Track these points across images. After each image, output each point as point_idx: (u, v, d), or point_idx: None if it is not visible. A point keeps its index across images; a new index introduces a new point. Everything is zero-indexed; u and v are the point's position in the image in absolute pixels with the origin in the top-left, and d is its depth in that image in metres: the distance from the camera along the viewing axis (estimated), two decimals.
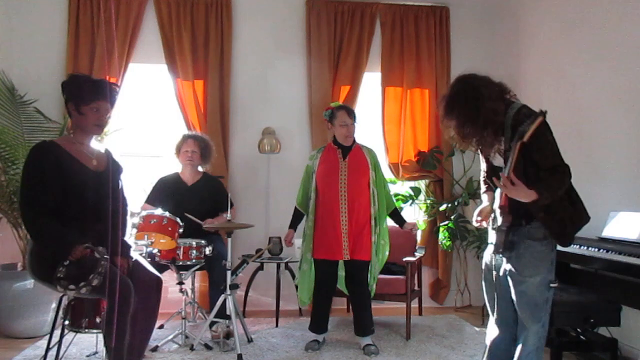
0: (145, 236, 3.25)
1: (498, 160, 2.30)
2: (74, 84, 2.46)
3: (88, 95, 2.40)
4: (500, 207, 2.18)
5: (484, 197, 2.43)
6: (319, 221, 3.41)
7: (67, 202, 2.38)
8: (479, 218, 2.35)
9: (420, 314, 4.31)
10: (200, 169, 4.03)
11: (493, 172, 2.32)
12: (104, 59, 4.32)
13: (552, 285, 2.19)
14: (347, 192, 3.35)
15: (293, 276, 4.33)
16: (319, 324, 3.50)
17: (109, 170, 2.49)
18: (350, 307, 3.75)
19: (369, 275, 3.43)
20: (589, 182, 3.37)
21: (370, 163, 3.46)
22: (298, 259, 3.70)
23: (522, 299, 2.18)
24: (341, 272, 3.50)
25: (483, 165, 2.43)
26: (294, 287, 4.39)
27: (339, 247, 3.33)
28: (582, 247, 3.13)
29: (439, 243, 4.65)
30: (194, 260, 3.39)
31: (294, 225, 3.58)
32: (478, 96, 2.11)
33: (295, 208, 3.58)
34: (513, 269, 2.19)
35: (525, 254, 2.19)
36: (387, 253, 3.53)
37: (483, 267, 2.42)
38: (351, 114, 3.43)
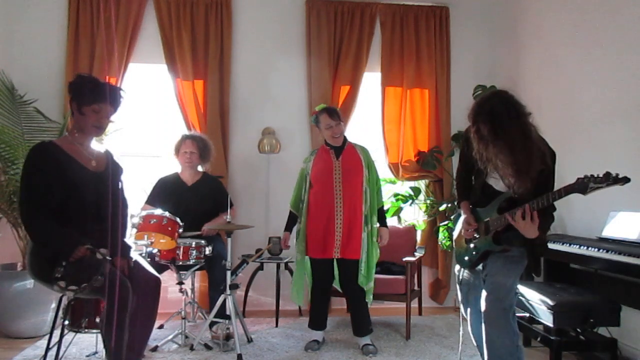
0: (145, 236, 3.25)
1: (492, 180, 2.35)
2: (78, 84, 2.48)
3: (89, 96, 2.42)
4: (496, 232, 2.29)
5: (463, 207, 2.55)
6: (313, 220, 3.42)
7: (66, 203, 2.38)
8: (470, 229, 2.45)
9: (420, 314, 4.32)
10: (200, 168, 4.03)
11: (484, 188, 2.40)
12: (104, 59, 4.32)
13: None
14: (342, 191, 3.37)
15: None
16: (317, 321, 3.50)
17: (109, 171, 2.49)
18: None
19: (361, 276, 3.39)
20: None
21: (364, 162, 3.46)
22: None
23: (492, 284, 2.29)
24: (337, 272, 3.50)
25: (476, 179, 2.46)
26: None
27: (331, 246, 3.35)
28: (582, 247, 3.12)
29: (439, 243, 4.64)
30: (193, 260, 3.39)
31: (289, 228, 3.58)
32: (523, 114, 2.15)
33: (290, 211, 3.58)
34: (487, 269, 2.36)
35: (500, 257, 2.32)
36: (377, 252, 3.49)
37: (457, 273, 2.61)
38: (333, 115, 3.42)
